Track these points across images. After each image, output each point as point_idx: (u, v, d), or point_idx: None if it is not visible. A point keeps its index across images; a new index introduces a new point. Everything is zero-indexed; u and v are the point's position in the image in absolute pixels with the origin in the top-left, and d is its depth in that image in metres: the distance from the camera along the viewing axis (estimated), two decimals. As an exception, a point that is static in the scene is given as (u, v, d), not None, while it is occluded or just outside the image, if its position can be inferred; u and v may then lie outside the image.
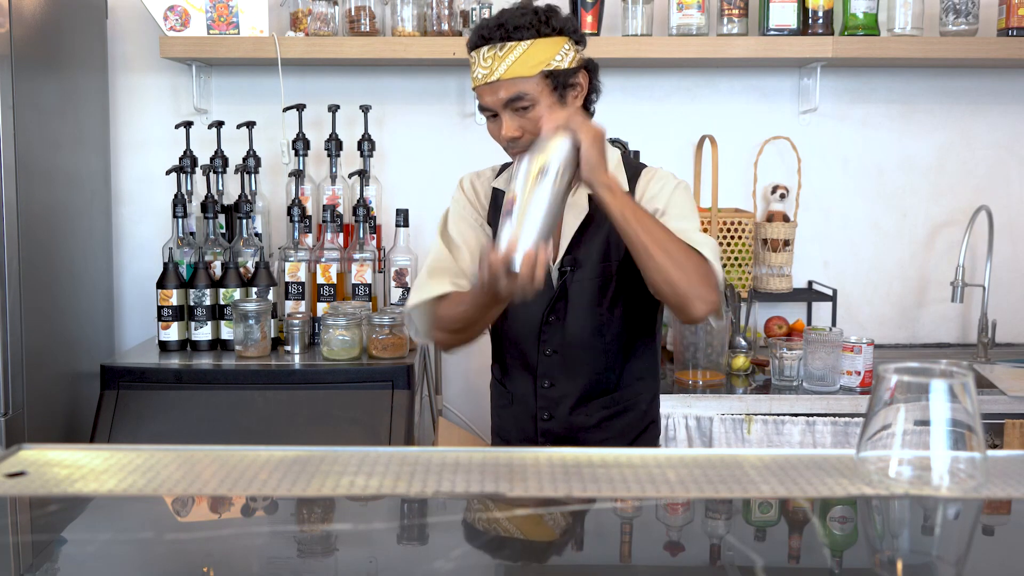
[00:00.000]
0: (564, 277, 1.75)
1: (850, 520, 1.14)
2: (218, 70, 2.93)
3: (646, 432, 1.86)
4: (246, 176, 2.64)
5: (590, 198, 1.73)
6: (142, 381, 2.37)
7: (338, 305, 2.47)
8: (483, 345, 1.94)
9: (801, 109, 2.95)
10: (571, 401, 1.79)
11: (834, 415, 2.40)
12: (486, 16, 2.31)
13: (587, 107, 1.74)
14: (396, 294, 2.62)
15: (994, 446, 2.36)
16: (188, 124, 2.66)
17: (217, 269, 2.57)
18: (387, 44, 2.67)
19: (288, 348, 2.49)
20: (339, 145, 2.69)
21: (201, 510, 1.16)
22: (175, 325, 2.52)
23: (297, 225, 2.60)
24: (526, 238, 1.46)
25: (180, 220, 2.56)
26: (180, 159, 2.63)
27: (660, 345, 1.90)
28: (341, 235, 2.64)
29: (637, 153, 2.80)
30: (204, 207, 2.62)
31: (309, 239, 2.64)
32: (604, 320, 1.76)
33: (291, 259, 2.57)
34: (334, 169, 2.69)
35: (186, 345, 2.55)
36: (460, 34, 2.69)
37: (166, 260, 2.54)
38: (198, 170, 2.66)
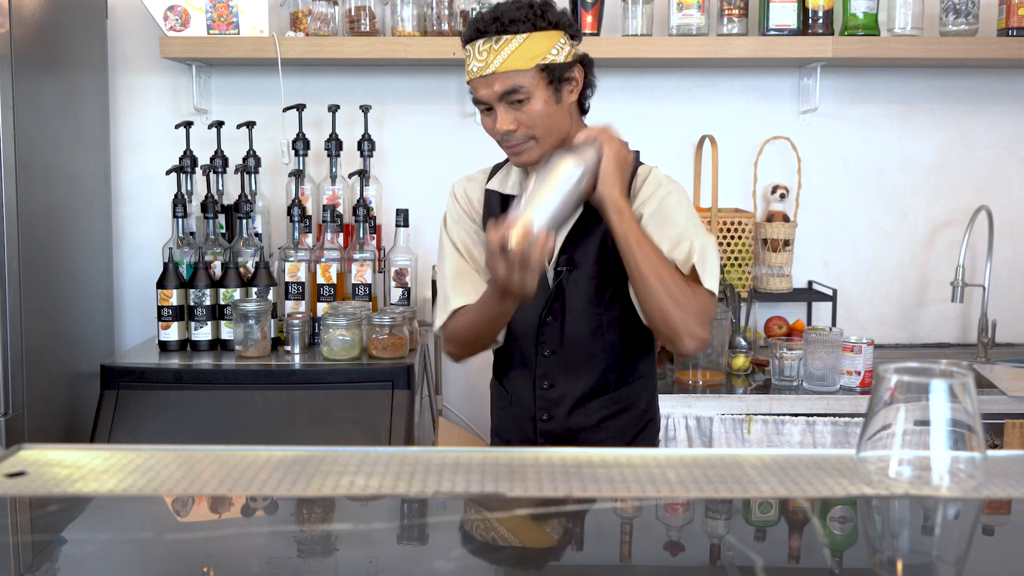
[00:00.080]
0: (560, 277, 1.75)
1: (850, 520, 1.14)
2: (218, 70, 2.93)
3: (645, 431, 1.86)
4: (246, 176, 2.64)
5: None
6: (142, 381, 2.37)
7: (338, 305, 2.47)
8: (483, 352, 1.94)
9: (801, 109, 2.95)
10: (570, 401, 1.79)
11: (834, 415, 2.40)
12: (486, 16, 2.30)
13: (582, 102, 1.74)
14: (396, 294, 2.62)
15: (994, 446, 2.36)
16: (188, 124, 2.66)
17: (217, 269, 2.57)
18: (387, 44, 2.67)
19: (288, 348, 2.49)
20: (339, 145, 2.69)
21: (201, 510, 1.16)
22: (175, 325, 2.52)
23: (297, 225, 2.60)
24: (525, 216, 1.47)
25: (180, 220, 2.56)
26: (180, 159, 2.63)
27: (657, 344, 1.90)
28: (341, 235, 2.64)
29: (637, 153, 2.78)
30: (204, 207, 2.62)
31: (309, 239, 2.64)
32: (602, 320, 1.76)
33: (291, 259, 2.57)
34: (334, 169, 2.69)
35: (186, 345, 2.55)
36: (460, 34, 2.69)
37: (166, 260, 2.54)
38: (198, 170, 2.66)
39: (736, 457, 1.28)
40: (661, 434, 2.32)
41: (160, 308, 2.52)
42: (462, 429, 2.90)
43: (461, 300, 1.75)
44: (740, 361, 2.60)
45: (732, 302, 2.67)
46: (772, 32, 2.69)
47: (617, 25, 2.80)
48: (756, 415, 2.41)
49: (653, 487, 1.17)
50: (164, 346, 2.53)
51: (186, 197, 2.60)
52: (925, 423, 1.09)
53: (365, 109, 2.69)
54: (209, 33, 2.66)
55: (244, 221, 2.58)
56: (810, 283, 2.99)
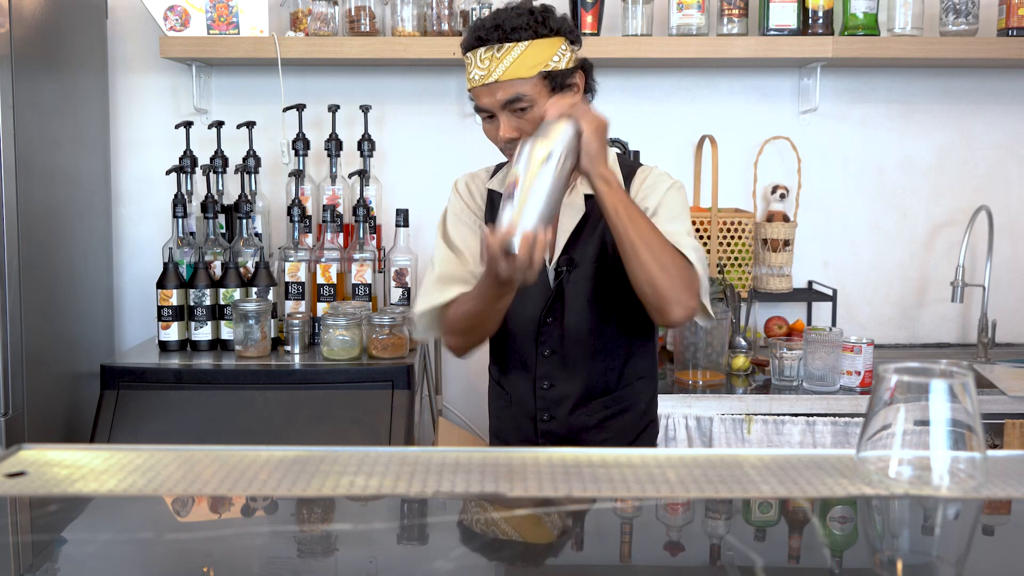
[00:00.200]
0: (560, 277, 1.75)
1: (850, 520, 1.14)
2: (218, 70, 2.93)
3: (645, 431, 1.86)
4: (246, 176, 2.64)
5: (587, 198, 1.73)
6: (142, 381, 2.37)
7: (338, 305, 2.47)
8: (484, 344, 1.94)
9: (801, 109, 2.95)
10: (571, 402, 1.79)
11: (834, 415, 2.40)
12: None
13: None
14: (396, 294, 2.62)
15: (994, 446, 2.36)
16: (188, 124, 2.66)
17: (217, 269, 2.57)
18: (387, 44, 2.67)
19: (288, 348, 2.49)
20: (339, 145, 2.69)
21: (201, 510, 1.16)
22: (175, 325, 2.52)
23: (297, 225, 2.60)
24: (526, 220, 1.46)
25: (180, 220, 2.56)
26: (180, 159, 2.63)
27: (657, 343, 1.90)
28: (341, 235, 2.64)
29: (637, 153, 2.80)
30: (204, 207, 2.62)
31: (309, 239, 2.64)
32: (603, 320, 1.76)
33: (291, 259, 2.57)
34: (334, 169, 2.69)
35: (186, 345, 2.55)
36: (460, 34, 2.69)
37: (166, 260, 2.54)
38: (198, 170, 2.66)
39: (736, 457, 1.28)
40: (661, 434, 2.32)
41: (160, 308, 2.52)
42: (462, 429, 2.90)
43: (452, 292, 1.73)
44: (740, 361, 2.60)
45: (732, 302, 2.67)
46: (772, 32, 2.69)
47: (617, 25, 2.80)
48: (756, 415, 2.41)
49: (653, 487, 1.17)
50: (164, 346, 2.53)
51: (186, 197, 2.60)
52: (925, 423, 1.09)
53: (365, 109, 2.69)
54: (209, 33, 2.66)
55: (244, 221, 2.59)
56: (810, 283, 2.99)
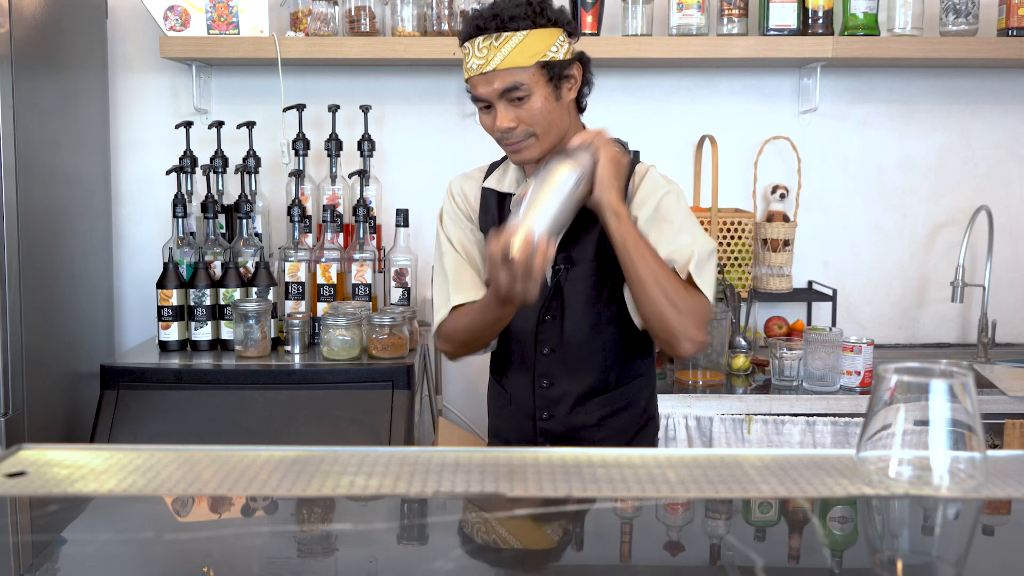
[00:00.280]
0: (559, 276, 1.75)
1: (850, 520, 1.14)
2: (218, 70, 2.93)
3: (645, 429, 1.86)
4: (246, 176, 2.64)
5: None
6: (142, 381, 2.37)
7: (338, 305, 2.47)
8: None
9: (801, 109, 2.95)
10: (571, 400, 1.79)
11: (834, 415, 2.40)
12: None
13: (580, 100, 1.74)
14: (396, 294, 2.62)
15: (994, 446, 2.36)
16: (188, 124, 2.66)
17: (217, 269, 2.57)
18: (387, 44, 2.67)
19: (288, 348, 2.49)
20: (339, 145, 2.69)
21: (201, 510, 1.16)
22: (175, 325, 2.52)
23: (297, 225, 2.60)
24: (528, 224, 1.46)
25: (180, 220, 2.56)
26: (180, 159, 2.63)
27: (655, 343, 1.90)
28: (341, 235, 2.64)
29: (637, 153, 2.78)
30: (204, 207, 2.62)
31: (309, 239, 2.64)
32: (601, 317, 1.76)
33: (291, 259, 2.57)
34: (334, 169, 2.69)
35: (186, 345, 2.55)
36: (459, 34, 2.69)
37: (166, 260, 2.54)
38: (198, 170, 2.66)
39: (736, 457, 1.28)
40: (661, 434, 2.32)
41: (160, 308, 2.52)
42: (462, 429, 2.90)
43: (461, 297, 1.75)
44: (740, 361, 2.60)
45: (732, 302, 2.67)
46: (772, 32, 2.69)
47: (617, 25, 2.80)
48: (756, 415, 2.41)
49: (653, 487, 1.17)
50: (164, 346, 2.53)
51: (186, 197, 2.60)
52: (925, 423, 1.09)
53: (365, 109, 2.69)
54: (209, 33, 2.66)
55: (244, 221, 2.59)
56: (810, 283, 2.99)
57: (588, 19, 2.70)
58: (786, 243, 2.84)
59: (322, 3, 2.70)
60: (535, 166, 1.65)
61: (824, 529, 1.10)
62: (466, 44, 1.65)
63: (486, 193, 1.82)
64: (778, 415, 2.41)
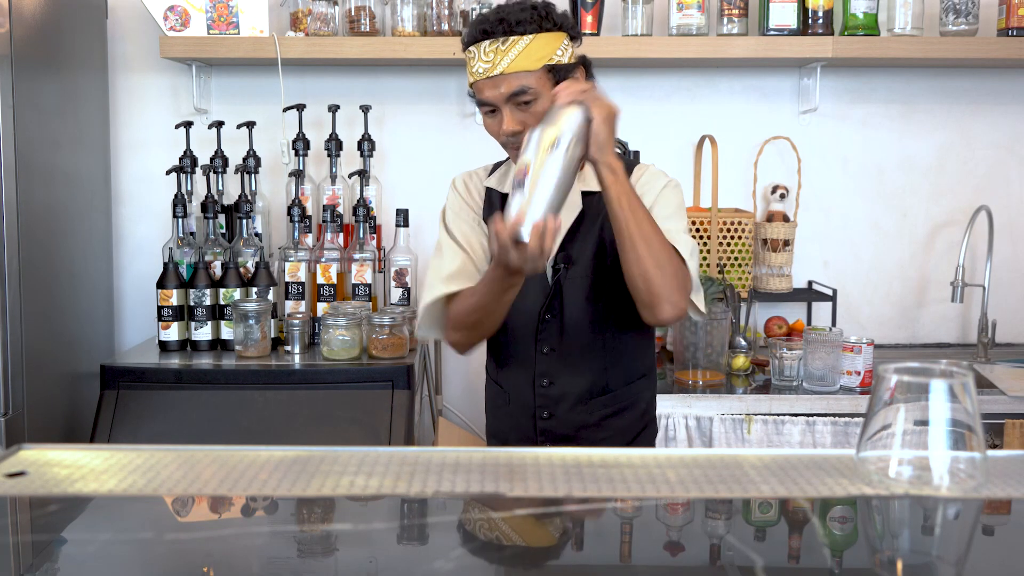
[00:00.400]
0: (558, 274, 1.75)
1: (850, 520, 1.14)
2: (218, 70, 2.93)
3: (645, 431, 1.86)
4: (246, 176, 2.64)
5: (584, 195, 1.74)
6: (142, 381, 2.37)
7: (338, 305, 2.47)
8: (484, 344, 1.94)
9: (801, 109, 2.95)
10: (571, 400, 1.79)
11: (834, 415, 2.40)
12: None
13: None
14: (396, 294, 2.62)
15: (994, 446, 2.36)
16: (188, 124, 2.66)
17: (217, 269, 2.57)
18: (387, 44, 2.67)
19: (288, 348, 2.49)
20: (339, 145, 2.69)
21: (201, 510, 1.16)
22: (175, 325, 2.52)
23: (297, 225, 2.60)
24: (535, 208, 1.45)
25: (180, 220, 2.56)
26: (180, 159, 2.63)
27: (656, 342, 1.90)
28: (341, 235, 2.64)
29: (637, 153, 2.80)
30: (204, 207, 2.62)
31: (309, 239, 2.64)
32: (601, 317, 1.76)
33: (291, 259, 2.57)
34: (334, 169, 2.69)
35: (186, 345, 2.55)
36: (460, 34, 2.69)
37: (166, 260, 2.54)
38: (198, 170, 2.66)
39: (736, 457, 1.28)
40: (661, 434, 2.32)
41: (160, 308, 2.52)
42: (462, 429, 2.90)
43: (459, 284, 1.73)
44: (740, 361, 2.60)
45: (732, 302, 2.67)
46: (772, 32, 2.69)
47: (617, 25, 2.80)
48: (756, 415, 2.41)
49: (653, 487, 1.17)
50: (164, 346, 2.53)
51: (186, 197, 2.60)
52: (925, 423, 1.09)
53: (365, 109, 2.69)
54: (209, 33, 2.66)
55: (244, 221, 2.59)
56: (810, 283, 2.99)
57: (588, 19, 2.70)
58: (786, 243, 2.84)
59: (322, 3, 2.70)
60: (526, 137, 1.59)
61: (824, 529, 1.10)
62: (471, 48, 1.65)
63: (489, 191, 1.82)
64: (778, 415, 2.41)
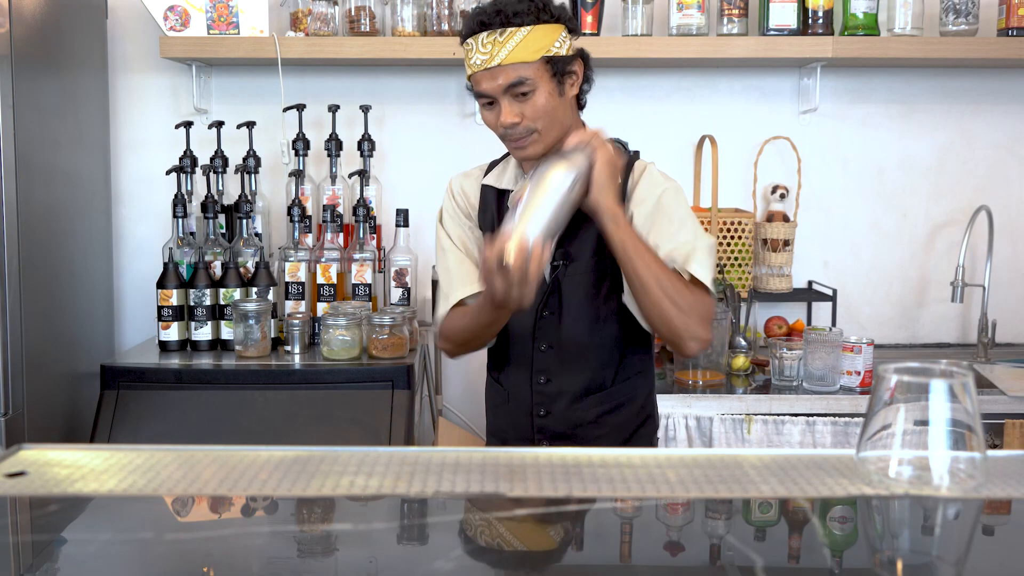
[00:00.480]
0: (557, 272, 1.75)
1: (850, 520, 1.14)
2: (218, 70, 2.93)
3: (643, 427, 1.86)
4: (246, 176, 2.64)
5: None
6: (142, 381, 2.37)
7: (338, 305, 2.47)
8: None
9: (801, 109, 2.95)
10: (568, 397, 1.79)
11: (834, 415, 2.40)
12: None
13: (580, 97, 1.74)
14: (396, 294, 2.62)
15: (994, 446, 2.36)
16: (188, 124, 2.66)
17: (217, 269, 2.57)
18: (387, 44, 2.67)
19: (288, 348, 2.49)
20: (339, 145, 2.69)
21: (201, 510, 1.16)
22: (175, 325, 2.52)
23: (297, 225, 2.60)
24: (522, 229, 1.46)
25: (180, 220, 2.56)
26: (180, 159, 2.63)
27: (654, 340, 1.89)
28: (341, 235, 2.64)
29: (637, 153, 2.79)
30: (204, 207, 2.62)
31: (309, 239, 2.64)
32: (599, 314, 1.76)
33: (291, 259, 2.57)
34: (334, 169, 2.69)
35: (186, 345, 2.55)
36: (460, 34, 2.69)
37: (166, 260, 2.54)
38: (198, 170, 2.66)
39: (736, 457, 1.28)
40: (661, 434, 2.32)
41: (160, 308, 2.52)
42: (462, 429, 2.90)
43: (465, 291, 1.75)
44: (740, 361, 2.60)
45: (732, 302, 2.67)
46: (772, 32, 2.69)
47: (617, 25, 2.80)
48: (756, 415, 2.41)
49: (653, 487, 1.17)
50: (164, 346, 2.53)
51: (186, 197, 2.60)
52: (925, 423, 1.09)
53: (365, 109, 2.69)
54: (209, 33, 2.66)
55: (244, 221, 2.59)
56: (810, 283, 2.99)
57: (588, 19, 2.70)
58: (786, 243, 2.84)
59: (322, 3, 2.70)
60: (534, 164, 1.65)
61: (824, 529, 1.10)
62: (469, 40, 1.65)
63: (485, 190, 1.82)
64: (778, 415, 2.41)
